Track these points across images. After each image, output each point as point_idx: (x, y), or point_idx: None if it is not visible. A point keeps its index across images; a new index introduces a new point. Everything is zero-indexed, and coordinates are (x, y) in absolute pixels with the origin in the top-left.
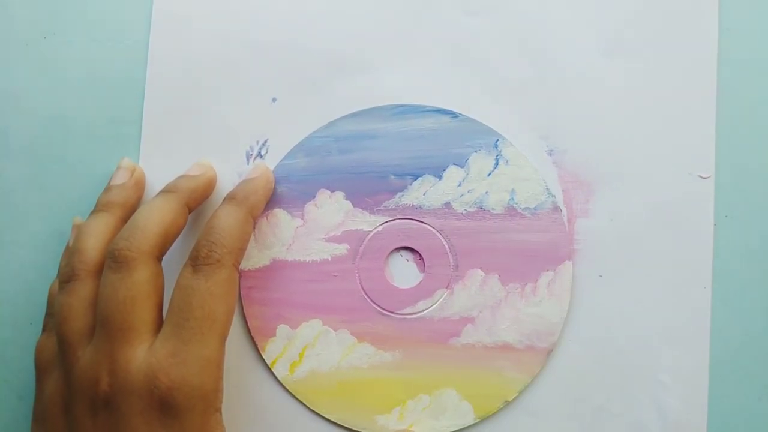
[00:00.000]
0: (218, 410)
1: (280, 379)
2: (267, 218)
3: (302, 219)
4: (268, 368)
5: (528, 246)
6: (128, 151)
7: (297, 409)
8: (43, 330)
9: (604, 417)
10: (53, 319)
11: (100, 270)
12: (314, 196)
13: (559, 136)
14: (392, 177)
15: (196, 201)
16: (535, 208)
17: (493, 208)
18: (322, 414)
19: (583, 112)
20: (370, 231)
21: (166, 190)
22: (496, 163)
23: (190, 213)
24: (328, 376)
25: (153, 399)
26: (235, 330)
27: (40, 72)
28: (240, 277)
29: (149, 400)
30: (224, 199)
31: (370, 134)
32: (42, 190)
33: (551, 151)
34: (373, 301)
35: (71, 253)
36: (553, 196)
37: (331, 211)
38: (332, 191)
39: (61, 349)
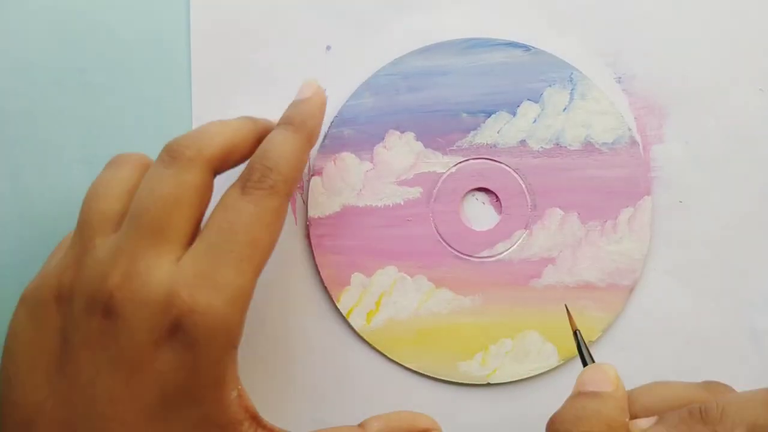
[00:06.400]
0: (236, 347)
1: (356, 329)
2: (335, 162)
3: (371, 162)
4: (344, 319)
5: (607, 182)
6: (179, 108)
7: (376, 360)
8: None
9: (695, 344)
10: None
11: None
12: (383, 138)
13: (627, 62)
14: (464, 115)
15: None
16: (612, 143)
17: (570, 144)
18: (402, 363)
19: (648, 35)
20: (444, 173)
21: (246, 117)
22: (572, 98)
23: None
24: (407, 324)
25: (168, 317)
26: (308, 281)
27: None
28: (310, 225)
29: (163, 317)
30: (279, 122)
31: (440, 70)
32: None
33: (619, 78)
34: (449, 245)
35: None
36: (630, 130)
37: (401, 153)
38: (402, 132)
39: (80, 230)
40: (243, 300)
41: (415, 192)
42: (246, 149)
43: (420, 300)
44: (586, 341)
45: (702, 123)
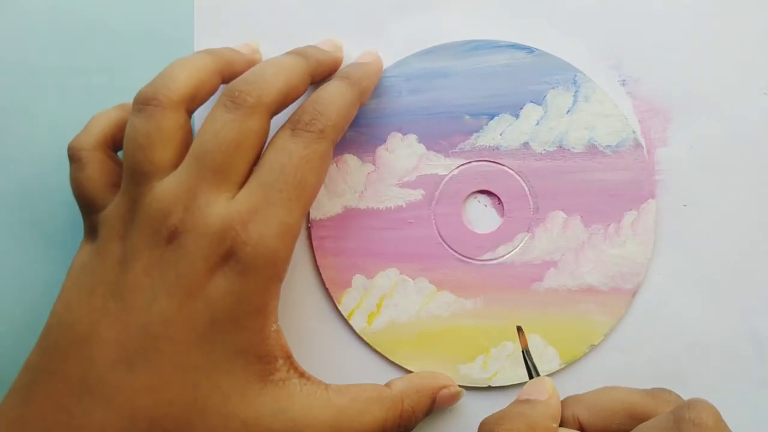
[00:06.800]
0: (281, 281)
1: (357, 331)
2: (337, 164)
3: (374, 164)
4: (345, 320)
5: (610, 185)
6: None
7: (377, 362)
8: None
9: (698, 348)
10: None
11: (183, 106)
12: (385, 140)
13: (631, 65)
14: (467, 117)
15: (320, 75)
16: (616, 146)
17: (573, 147)
18: (403, 366)
19: (653, 38)
20: (446, 175)
21: (296, 53)
22: (575, 100)
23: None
24: (408, 326)
25: (223, 247)
26: (310, 282)
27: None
28: (311, 227)
29: (219, 247)
30: (336, 75)
31: (442, 72)
32: None
33: (624, 80)
34: (451, 248)
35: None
36: (635, 132)
37: (403, 155)
38: (404, 134)
39: (132, 178)
40: (290, 236)
41: (417, 194)
42: (301, 89)
43: (421, 302)
44: (589, 344)
45: (707, 126)
